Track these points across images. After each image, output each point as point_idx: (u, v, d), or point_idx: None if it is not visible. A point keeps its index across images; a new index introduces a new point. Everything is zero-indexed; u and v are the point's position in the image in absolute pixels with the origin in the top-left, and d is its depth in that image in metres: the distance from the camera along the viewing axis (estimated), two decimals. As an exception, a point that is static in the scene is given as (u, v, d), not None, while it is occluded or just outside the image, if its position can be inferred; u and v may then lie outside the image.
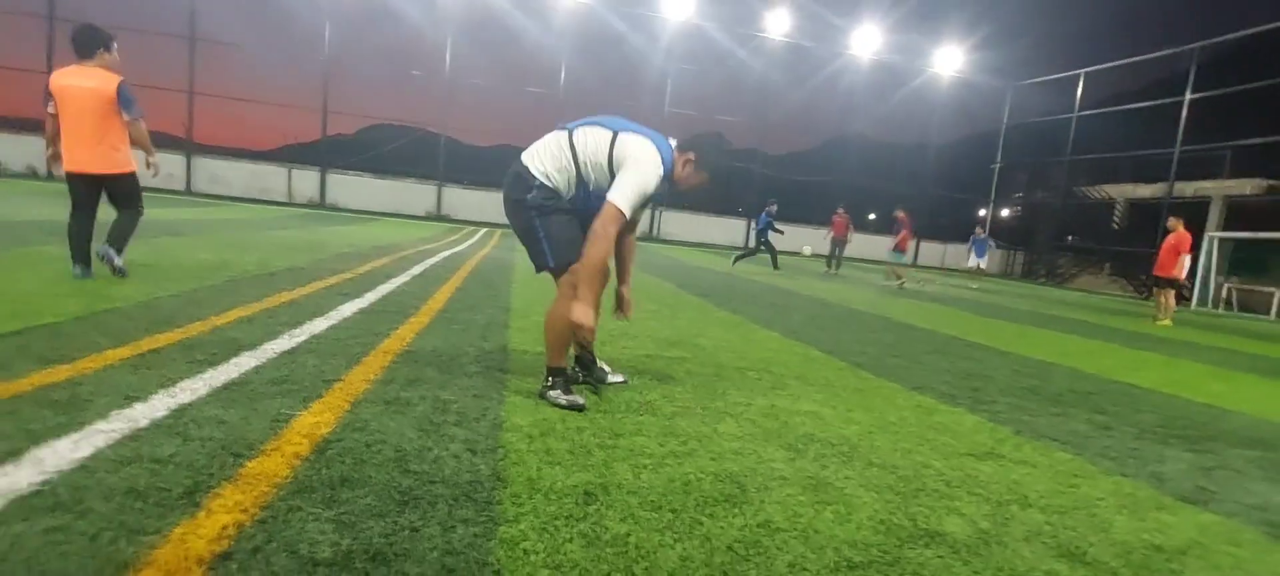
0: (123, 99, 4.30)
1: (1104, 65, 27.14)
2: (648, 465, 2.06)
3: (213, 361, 2.64)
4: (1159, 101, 24.15)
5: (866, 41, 27.34)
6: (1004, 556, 1.69)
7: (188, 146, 22.31)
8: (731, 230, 27.13)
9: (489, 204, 24.15)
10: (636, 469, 2.01)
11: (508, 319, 4.49)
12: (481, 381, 2.82)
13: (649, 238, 26.23)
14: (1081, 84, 27.31)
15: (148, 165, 4.52)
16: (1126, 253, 24.37)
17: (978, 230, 17.80)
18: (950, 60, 28.56)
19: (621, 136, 2.63)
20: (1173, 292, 10.90)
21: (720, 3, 25.93)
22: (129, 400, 2.09)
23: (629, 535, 1.58)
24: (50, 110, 4.25)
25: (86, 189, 4.37)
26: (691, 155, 2.72)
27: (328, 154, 23.61)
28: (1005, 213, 32.22)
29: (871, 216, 30.50)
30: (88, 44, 4.28)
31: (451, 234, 15.03)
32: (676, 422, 2.54)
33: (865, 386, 3.58)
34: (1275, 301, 18.78)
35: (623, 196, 2.52)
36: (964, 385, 3.89)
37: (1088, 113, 27.16)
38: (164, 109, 22.23)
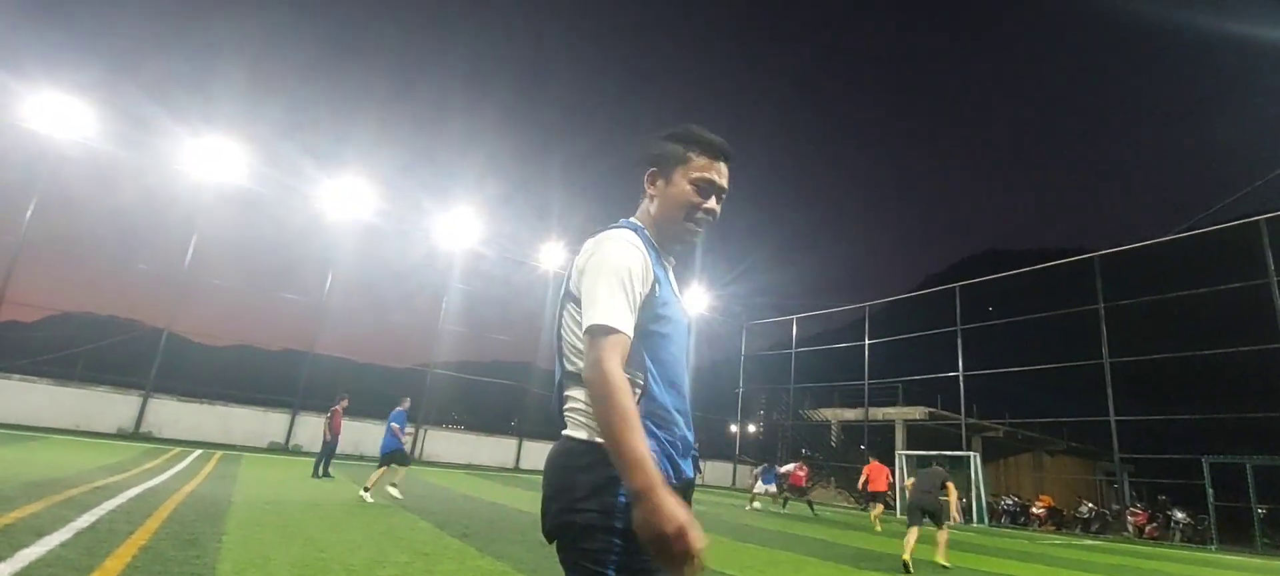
0: None
1: (810, 313, 34.59)
2: None
3: None
4: (850, 344, 30.65)
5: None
6: None
7: None
8: (504, 449, 26.15)
9: (207, 419, 20.24)
10: None
11: (210, 592, 3.58)
12: None
13: (415, 458, 23.96)
14: (795, 326, 33.72)
15: None
16: (848, 468, 28.75)
17: (766, 464, 20.74)
18: (698, 299, 33.18)
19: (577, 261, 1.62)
20: (880, 504, 14.84)
21: (501, 223, 27.50)
22: None
23: None
24: None
25: None
26: (651, 170, 1.69)
27: (-14, 350, 18.43)
28: (752, 429, 36.43)
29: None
30: None
31: (152, 459, 12.18)
32: None
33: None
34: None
35: (596, 306, 1.44)
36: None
37: (802, 350, 33.16)
38: None
